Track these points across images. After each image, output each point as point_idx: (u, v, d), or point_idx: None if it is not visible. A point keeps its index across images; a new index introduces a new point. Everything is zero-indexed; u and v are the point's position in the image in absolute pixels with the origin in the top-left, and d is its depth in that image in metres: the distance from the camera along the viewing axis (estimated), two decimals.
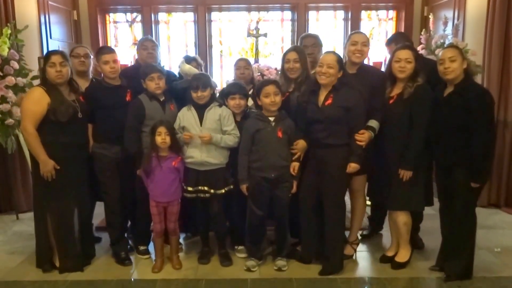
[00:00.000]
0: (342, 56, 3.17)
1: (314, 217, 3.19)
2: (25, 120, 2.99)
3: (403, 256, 3.25)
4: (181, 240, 3.67)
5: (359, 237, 3.61)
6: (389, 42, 3.79)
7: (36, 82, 3.28)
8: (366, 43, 3.23)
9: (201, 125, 3.15)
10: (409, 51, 3.02)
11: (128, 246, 3.54)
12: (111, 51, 3.32)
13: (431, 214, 3.36)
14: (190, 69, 3.56)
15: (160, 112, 3.26)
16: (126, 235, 3.59)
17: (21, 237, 3.97)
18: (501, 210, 4.62)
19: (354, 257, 3.42)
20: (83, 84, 3.43)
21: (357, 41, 3.22)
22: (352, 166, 2.99)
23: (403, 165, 2.99)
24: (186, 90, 3.25)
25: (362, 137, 2.98)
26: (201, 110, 3.18)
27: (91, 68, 3.67)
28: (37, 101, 2.97)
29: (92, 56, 3.63)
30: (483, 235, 3.72)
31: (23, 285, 3.05)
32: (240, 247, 3.47)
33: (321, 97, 3.06)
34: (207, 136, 3.08)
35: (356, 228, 3.49)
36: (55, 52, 3.13)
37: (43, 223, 3.18)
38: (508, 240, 3.80)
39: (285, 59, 3.34)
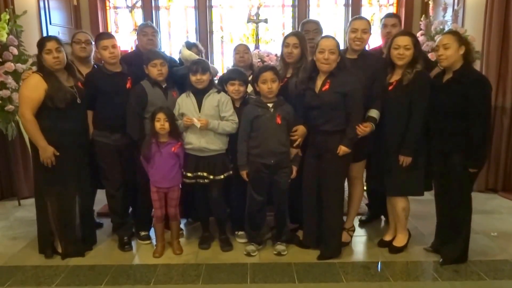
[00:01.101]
0: (342, 42, 3.15)
1: (316, 202, 3.21)
2: (22, 107, 2.98)
3: (400, 240, 3.29)
4: (181, 226, 3.70)
5: (358, 222, 3.63)
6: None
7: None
8: (366, 30, 3.19)
9: (199, 111, 3.16)
10: (408, 38, 2.99)
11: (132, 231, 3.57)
12: (110, 36, 3.30)
13: (428, 199, 3.38)
14: (190, 55, 3.55)
15: (162, 99, 3.26)
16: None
17: (23, 222, 4.00)
18: (498, 195, 4.67)
19: (350, 244, 3.44)
20: (84, 71, 3.44)
21: (357, 28, 3.17)
22: (342, 149, 2.98)
23: (403, 151, 3.00)
24: (185, 77, 3.24)
25: (364, 130, 2.98)
26: (199, 96, 3.18)
27: (92, 54, 3.66)
28: (34, 88, 2.96)
29: (93, 42, 3.62)
30: (481, 220, 3.77)
31: (25, 270, 3.08)
32: (240, 233, 3.50)
33: (318, 82, 3.04)
34: (204, 121, 3.09)
35: (353, 215, 3.50)
36: (49, 38, 3.08)
37: (44, 209, 3.20)
38: (504, 224, 3.84)
39: (284, 43, 3.33)
